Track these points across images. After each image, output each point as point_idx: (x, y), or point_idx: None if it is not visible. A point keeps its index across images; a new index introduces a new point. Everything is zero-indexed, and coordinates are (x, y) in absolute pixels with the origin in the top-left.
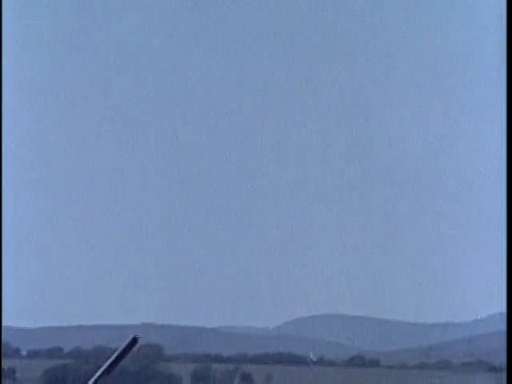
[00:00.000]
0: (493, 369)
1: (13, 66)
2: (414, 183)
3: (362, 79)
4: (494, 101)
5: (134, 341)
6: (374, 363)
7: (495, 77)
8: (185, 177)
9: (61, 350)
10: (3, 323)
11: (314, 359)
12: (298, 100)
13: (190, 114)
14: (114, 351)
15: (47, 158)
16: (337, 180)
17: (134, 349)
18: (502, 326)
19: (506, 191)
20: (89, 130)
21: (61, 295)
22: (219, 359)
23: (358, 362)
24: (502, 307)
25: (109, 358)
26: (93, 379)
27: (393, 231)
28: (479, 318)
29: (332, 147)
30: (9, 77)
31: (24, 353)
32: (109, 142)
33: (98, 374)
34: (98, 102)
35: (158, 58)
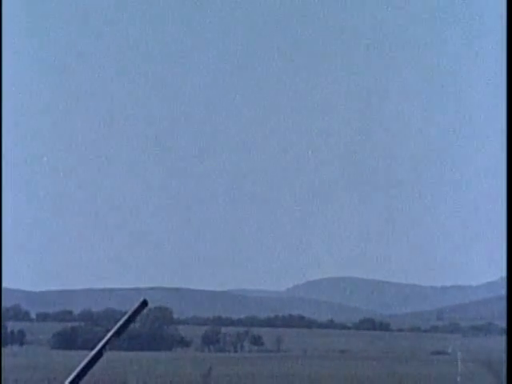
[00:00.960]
0: (502, 331)
1: (12, 66)
2: (419, 154)
3: (362, 77)
4: (494, 99)
5: (144, 304)
6: (384, 326)
7: (495, 76)
8: (194, 141)
9: (71, 312)
10: (13, 286)
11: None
12: (299, 96)
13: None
14: (124, 314)
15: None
16: (344, 151)
17: (145, 312)
18: None
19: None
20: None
21: (71, 259)
22: (229, 322)
23: (368, 324)
24: None
25: (118, 320)
26: (102, 342)
27: (402, 196)
28: (489, 281)
29: (336, 134)
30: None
31: (33, 316)
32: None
33: (108, 336)
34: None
35: (158, 55)
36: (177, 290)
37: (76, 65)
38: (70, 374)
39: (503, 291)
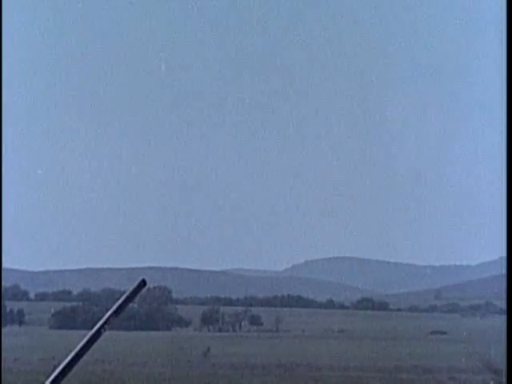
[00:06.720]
0: (501, 311)
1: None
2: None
3: (360, 75)
4: (494, 98)
5: (142, 284)
6: (383, 306)
7: (495, 76)
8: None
9: (69, 292)
10: (12, 266)
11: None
12: (298, 93)
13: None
14: (123, 294)
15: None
16: (344, 128)
17: (143, 291)
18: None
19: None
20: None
21: (69, 238)
22: (228, 302)
23: (367, 304)
24: None
25: (117, 300)
26: (101, 322)
27: (401, 174)
28: (488, 260)
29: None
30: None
31: (32, 296)
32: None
33: (106, 316)
34: None
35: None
36: (176, 269)
37: (75, 58)
38: (68, 353)
39: (501, 271)
